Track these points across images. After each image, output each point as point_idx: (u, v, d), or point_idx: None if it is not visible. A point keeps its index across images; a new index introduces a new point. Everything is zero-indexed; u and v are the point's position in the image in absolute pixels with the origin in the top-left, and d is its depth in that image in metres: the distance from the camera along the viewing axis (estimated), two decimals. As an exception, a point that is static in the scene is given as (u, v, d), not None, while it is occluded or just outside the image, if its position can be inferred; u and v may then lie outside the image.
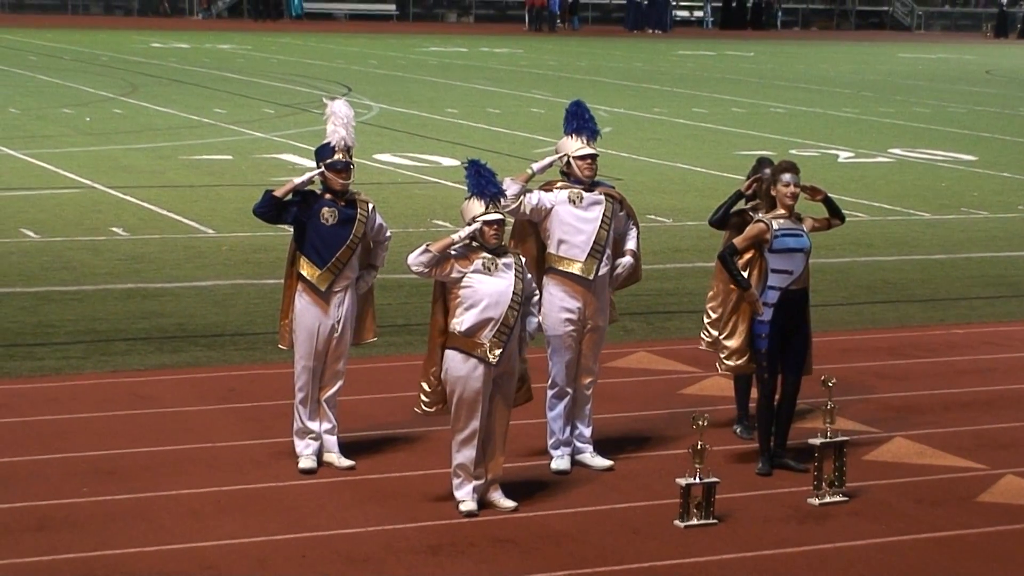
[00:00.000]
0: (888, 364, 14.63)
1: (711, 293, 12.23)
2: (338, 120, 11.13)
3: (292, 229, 11.21)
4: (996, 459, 11.74)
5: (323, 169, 11.11)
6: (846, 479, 10.75)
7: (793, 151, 29.74)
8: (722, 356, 11.34)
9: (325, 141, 11.16)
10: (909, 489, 11.03)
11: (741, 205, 12.02)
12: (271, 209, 11.08)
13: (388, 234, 11.47)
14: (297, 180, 11.12)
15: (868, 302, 17.48)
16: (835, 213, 11.57)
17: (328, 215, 11.06)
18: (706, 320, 12.26)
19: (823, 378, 10.87)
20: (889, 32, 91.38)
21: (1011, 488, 11.07)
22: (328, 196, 11.12)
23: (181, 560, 9.37)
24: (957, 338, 15.85)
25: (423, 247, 10.14)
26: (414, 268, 10.13)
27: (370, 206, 11.25)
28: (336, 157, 11.08)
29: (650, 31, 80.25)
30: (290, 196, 11.05)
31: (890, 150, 31.65)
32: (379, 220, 11.33)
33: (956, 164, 29.90)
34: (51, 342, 14.56)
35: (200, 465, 11.18)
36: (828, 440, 10.66)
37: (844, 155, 30.58)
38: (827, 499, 10.66)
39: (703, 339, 12.33)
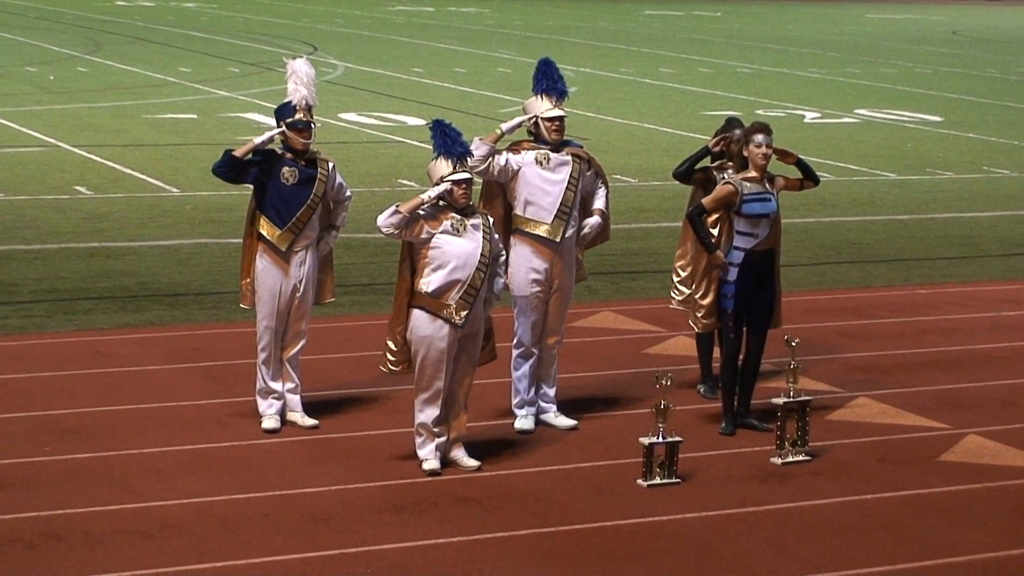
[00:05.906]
0: (852, 324, 14.66)
1: (679, 252, 12.19)
2: (299, 79, 11.06)
3: (252, 188, 11.16)
4: (958, 419, 11.79)
5: (284, 128, 11.04)
6: (809, 439, 10.77)
7: (759, 111, 29.74)
8: (698, 315, 11.34)
9: (286, 100, 11.08)
10: (871, 448, 11.06)
11: (707, 163, 12.01)
12: (231, 169, 10.99)
13: (348, 194, 11.42)
14: (257, 140, 11.04)
15: (833, 262, 17.51)
16: (809, 176, 11.49)
17: (288, 175, 10.99)
18: (675, 279, 12.22)
19: (786, 338, 10.88)
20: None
21: (973, 447, 11.11)
22: (289, 156, 11.05)
23: (143, 519, 9.33)
24: (921, 298, 15.89)
25: (393, 208, 10.08)
26: (384, 229, 10.07)
27: (330, 165, 11.18)
28: (297, 116, 11.01)
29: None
30: (250, 156, 10.99)
31: (856, 111, 31.67)
32: (339, 179, 11.26)
33: (922, 125, 29.95)
34: (14, 301, 14.48)
35: (163, 424, 11.14)
36: (791, 400, 10.67)
37: (810, 115, 30.60)
38: (790, 458, 10.68)
39: (673, 298, 12.29)
